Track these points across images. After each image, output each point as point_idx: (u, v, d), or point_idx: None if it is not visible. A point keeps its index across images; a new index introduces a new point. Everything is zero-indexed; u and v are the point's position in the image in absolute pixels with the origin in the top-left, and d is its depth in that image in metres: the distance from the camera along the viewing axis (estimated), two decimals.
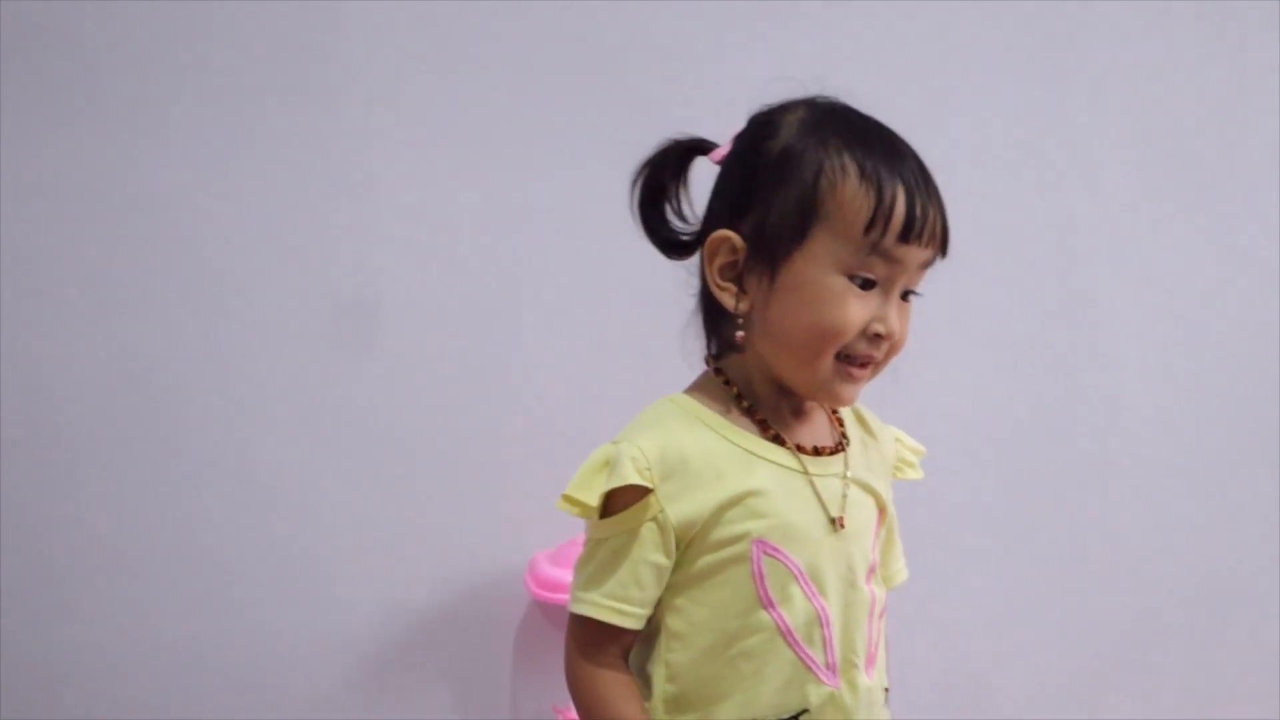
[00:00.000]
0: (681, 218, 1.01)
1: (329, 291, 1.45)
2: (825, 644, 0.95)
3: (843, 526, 0.95)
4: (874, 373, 0.97)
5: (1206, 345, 1.51)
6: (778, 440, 0.97)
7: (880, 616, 1.00)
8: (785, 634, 0.93)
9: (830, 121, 0.95)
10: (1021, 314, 1.51)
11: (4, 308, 1.41)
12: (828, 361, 0.93)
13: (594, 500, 0.92)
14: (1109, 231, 1.51)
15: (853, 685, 0.95)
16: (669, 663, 0.96)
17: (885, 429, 1.07)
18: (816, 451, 0.98)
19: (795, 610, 0.93)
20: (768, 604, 0.93)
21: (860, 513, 0.97)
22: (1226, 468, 1.52)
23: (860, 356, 0.94)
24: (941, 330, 1.49)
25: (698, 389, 1.00)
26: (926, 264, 0.94)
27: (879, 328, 0.92)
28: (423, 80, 1.44)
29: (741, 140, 0.98)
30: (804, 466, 0.96)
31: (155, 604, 1.45)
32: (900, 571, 1.07)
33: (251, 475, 1.46)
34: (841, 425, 1.03)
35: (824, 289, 0.92)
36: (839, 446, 1.00)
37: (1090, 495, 1.52)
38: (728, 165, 0.99)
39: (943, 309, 1.46)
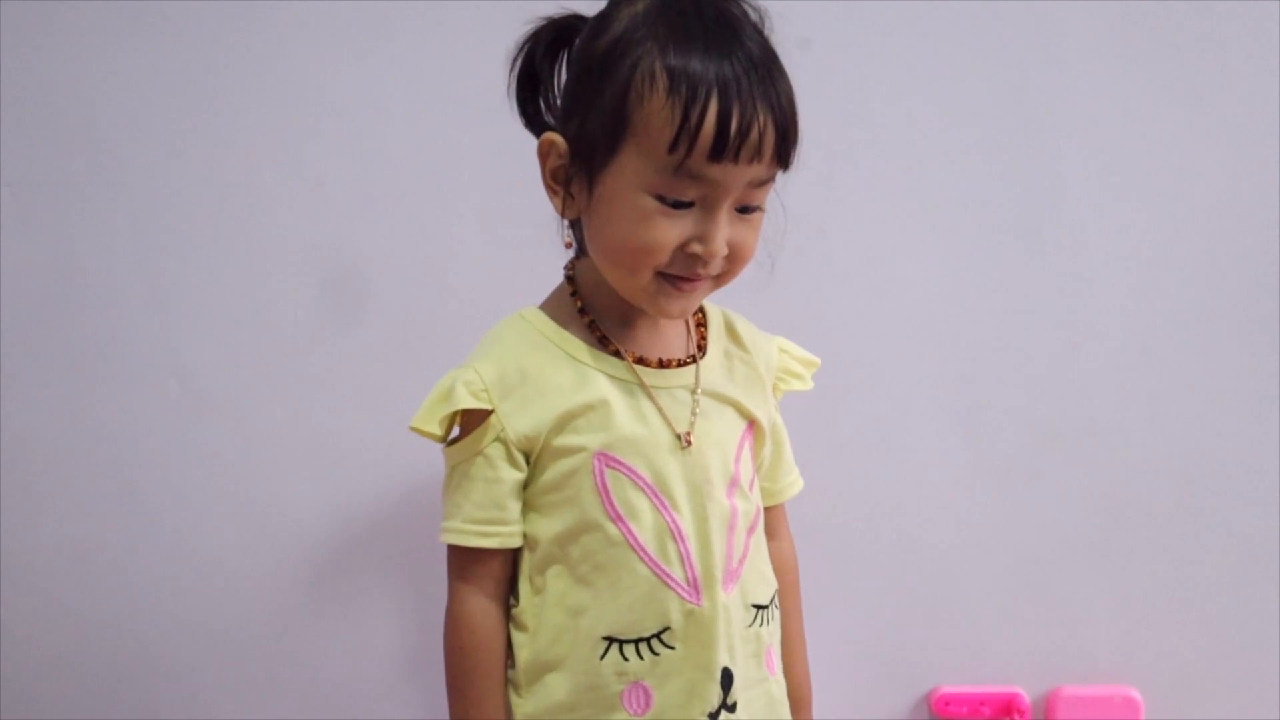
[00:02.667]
0: (551, 109, 0.96)
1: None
2: (683, 559, 0.92)
3: (689, 443, 0.93)
4: (714, 285, 0.92)
5: (1179, 226, 1.45)
6: (617, 353, 0.94)
7: (749, 531, 0.97)
8: (636, 548, 0.91)
9: (663, 15, 0.86)
10: (985, 195, 1.45)
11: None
12: (645, 277, 0.90)
13: (435, 428, 0.92)
14: (1079, 111, 1.43)
15: (713, 602, 0.92)
16: (533, 577, 0.95)
17: (766, 340, 1.04)
18: (662, 364, 0.95)
19: (644, 523, 0.91)
20: (615, 517, 0.91)
21: (715, 425, 0.95)
22: (1198, 355, 1.47)
23: (682, 275, 0.89)
24: (899, 214, 1.44)
25: (549, 301, 0.99)
26: (758, 181, 0.87)
27: (696, 248, 0.87)
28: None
29: (582, 32, 0.92)
30: (640, 379, 0.93)
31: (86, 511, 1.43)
32: (791, 485, 1.06)
33: (187, 381, 1.43)
34: (703, 336, 0.99)
35: (632, 207, 0.87)
36: (691, 359, 0.96)
37: (1057, 381, 1.48)
38: (570, 58, 0.93)
39: (902, 192, 1.42)
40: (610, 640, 0.91)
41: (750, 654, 0.96)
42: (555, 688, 0.93)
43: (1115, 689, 1.53)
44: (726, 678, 0.94)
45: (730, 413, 0.97)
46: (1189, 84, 1.42)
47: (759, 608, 0.97)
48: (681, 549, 0.92)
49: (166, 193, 1.41)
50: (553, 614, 0.93)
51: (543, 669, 0.94)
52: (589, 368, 0.93)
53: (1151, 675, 1.53)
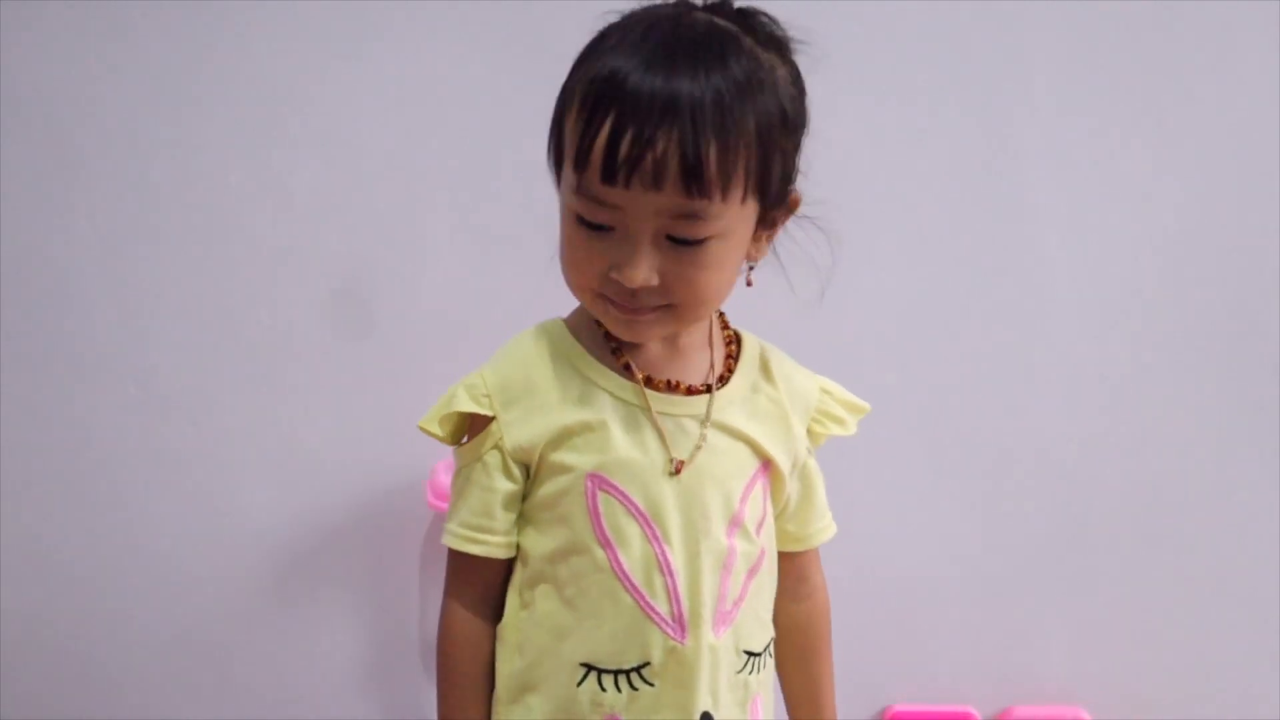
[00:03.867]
0: None
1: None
2: (670, 594, 0.89)
3: (678, 470, 0.89)
4: (671, 316, 0.86)
5: (1141, 249, 1.48)
6: (629, 371, 0.91)
7: (750, 574, 0.93)
8: (620, 576, 0.88)
9: (630, 31, 0.82)
10: (948, 218, 1.47)
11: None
12: (586, 298, 0.88)
13: (436, 428, 0.91)
14: (1043, 130, 1.46)
15: (698, 641, 0.89)
16: (522, 592, 0.93)
17: (807, 378, 0.99)
18: (671, 387, 0.91)
19: (632, 552, 0.88)
20: (603, 542, 0.88)
21: (721, 460, 0.91)
22: (1157, 378, 1.49)
23: (618, 300, 0.85)
24: (863, 231, 1.46)
25: (573, 314, 0.96)
26: (677, 213, 0.80)
27: (615, 275, 0.83)
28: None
29: None
30: (645, 402, 0.90)
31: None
32: (822, 531, 1.03)
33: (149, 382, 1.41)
34: (731, 367, 0.95)
35: (566, 226, 0.86)
36: (707, 387, 0.92)
37: (1014, 407, 1.50)
38: None
39: (866, 214, 1.44)
40: (589, 668, 0.89)
41: (736, 701, 0.92)
42: (534, 709, 0.91)
43: (1065, 709, 1.55)
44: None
45: (742, 449, 0.92)
46: (1154, 102, 1.45)
47: (751, 654, 0.93)
48: (669, 583, 0.88)
49: (132, 192, 1.40)
50: (537, 634, 0.91)
51: (523, 688, 0.91)
52: (595, 385, 0.90)
53: (1100, 696, 1.55)
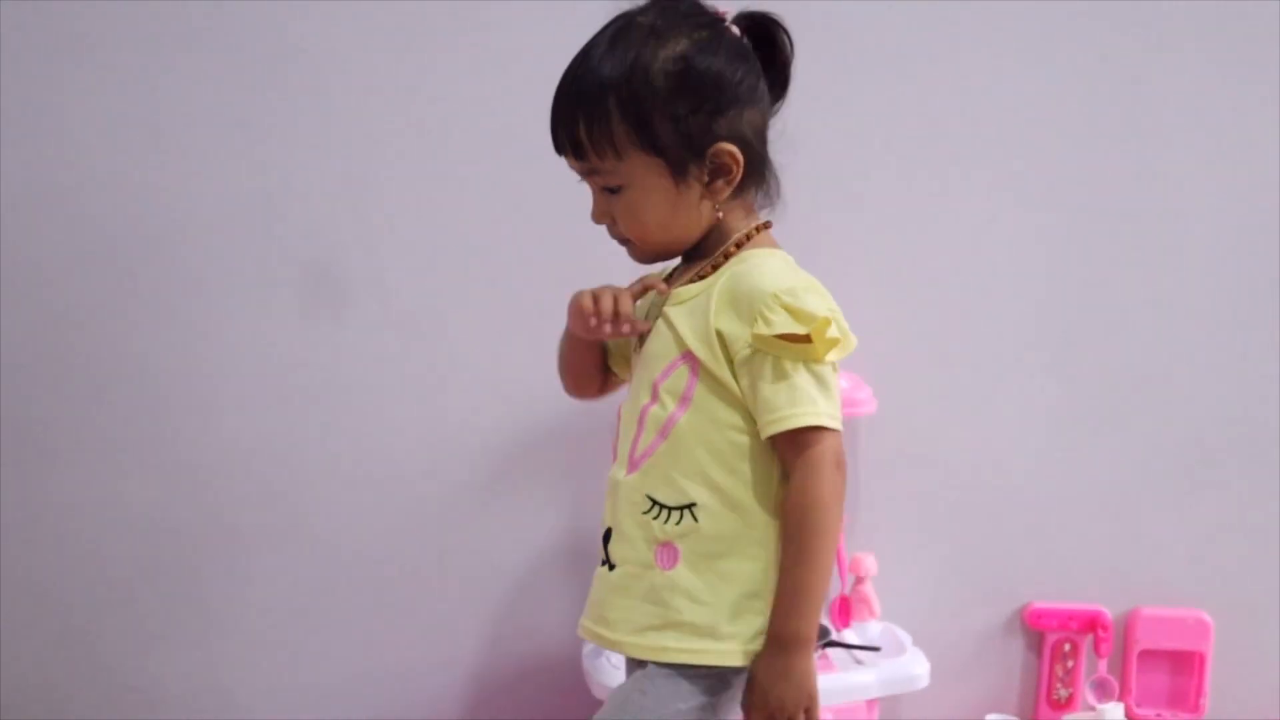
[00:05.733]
0: None
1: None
2: (614, 436, 1.16)
3: (638, 349, 1.14)
4: (633, 248, 1.12)
5: (1261, 198, 1.66)
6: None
7: (660, 435, 1.08)
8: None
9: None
10: (1081, 166, 1.67)
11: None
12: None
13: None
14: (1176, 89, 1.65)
15: (616, 474, 1.12)
16: None
17: (767, 282, 1.05)
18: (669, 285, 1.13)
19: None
20: None
21: (655, 342, 1.11)
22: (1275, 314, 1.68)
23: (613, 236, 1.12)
24: (1000, 182, 1.66)
25: None
26: (585, 171, 1.08)
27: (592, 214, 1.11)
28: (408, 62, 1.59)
29: None
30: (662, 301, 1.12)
31: None
32: (769, 425, 1.03)
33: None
34: (707, 274, 1.10)
35: None
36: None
37: (1145, 330, 1.70)
38: None
39: (1002, 162, 1.64)
40: None
41: (641, 537, 1.07)
42: None
43: (1188, 611, 1.73)
44: (606, 536, 1.11)
45: (669, 336, 1.08)
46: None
47: (656, 503, 1.07)
48: (615, 428, 1.15)
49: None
50: None
51: None
52: None
53: (1221, 599, 1.72)
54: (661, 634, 1.06)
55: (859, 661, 1.57)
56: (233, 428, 1.64)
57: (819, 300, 1.05)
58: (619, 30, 1.05)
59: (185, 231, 1.60)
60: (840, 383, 1.10)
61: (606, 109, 1.03)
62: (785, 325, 1.01)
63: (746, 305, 1.04)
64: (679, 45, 1.04)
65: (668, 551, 1.06)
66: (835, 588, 1.63)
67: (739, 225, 1.10)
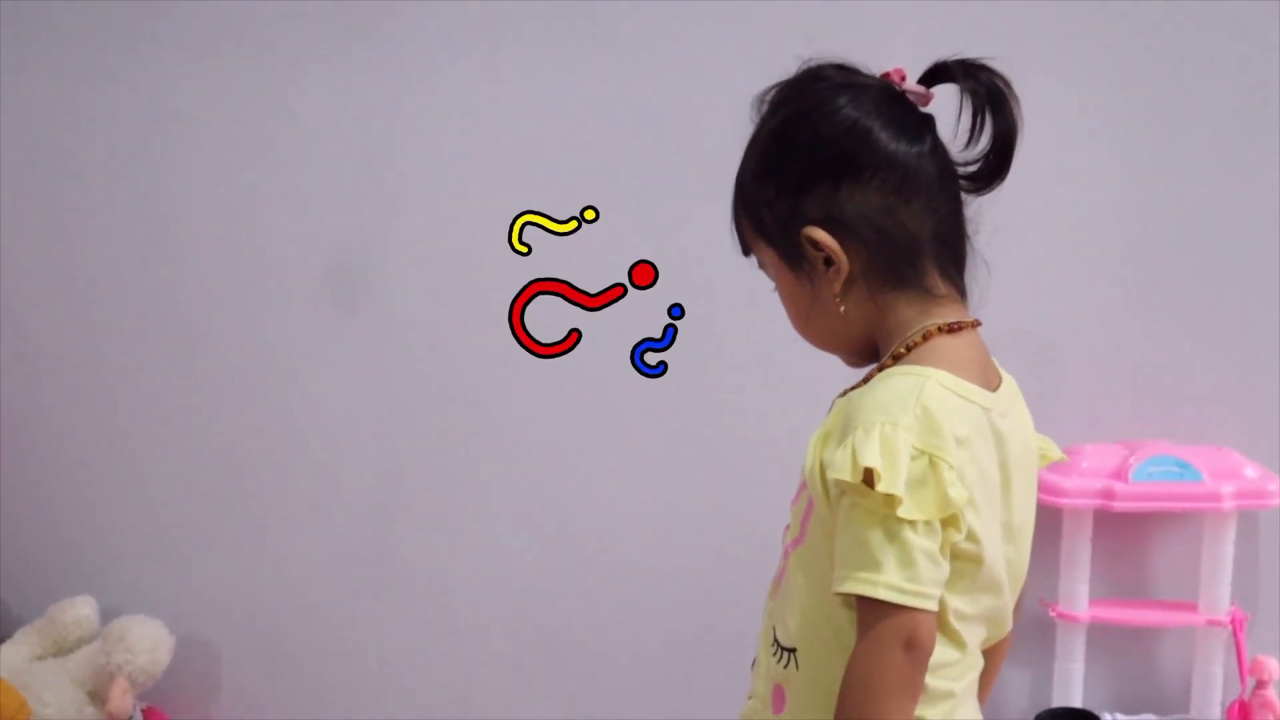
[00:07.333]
0: None
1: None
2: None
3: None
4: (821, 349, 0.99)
5: None
6: None
7: (786, 560, 0.95)
8: None
9: None
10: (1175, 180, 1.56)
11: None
12: None
13: None
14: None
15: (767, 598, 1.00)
16: None
17: (849, 415, 0.87)
18: None
19: None
20: None
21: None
22: None
23: None
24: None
25: None
26: (760, 264, 0.96)
27: None
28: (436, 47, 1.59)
29: None
30: None
31: None
32: (834, 580, 0.85)
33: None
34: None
35: None
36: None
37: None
38: None
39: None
40: None
41: (764, 673, 0.96)
42: None
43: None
44: (754, 664, 0.99)
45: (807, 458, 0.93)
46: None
47: (776, 640, 0.94)
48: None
49: None
50: None
51: None
52: None
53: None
54: None
55: None
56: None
57: (890, 443, 0.82)
58: (764, 118, 0.94)
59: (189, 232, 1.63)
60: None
61: (735, 195, 0.94)
62: (841, 469, 0.82)
63: (840, 437, 0.86)
64: (776, 118, 0.92)
65: (779, 695, 0.93)
66: (1235, 691, 1.51)
67: (910, 323, 0.90)
